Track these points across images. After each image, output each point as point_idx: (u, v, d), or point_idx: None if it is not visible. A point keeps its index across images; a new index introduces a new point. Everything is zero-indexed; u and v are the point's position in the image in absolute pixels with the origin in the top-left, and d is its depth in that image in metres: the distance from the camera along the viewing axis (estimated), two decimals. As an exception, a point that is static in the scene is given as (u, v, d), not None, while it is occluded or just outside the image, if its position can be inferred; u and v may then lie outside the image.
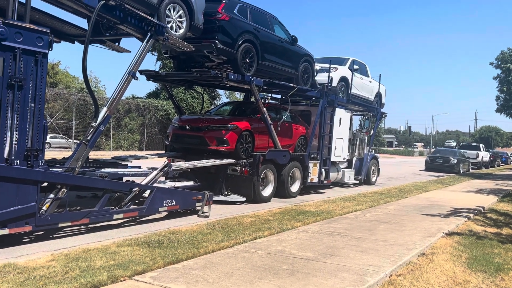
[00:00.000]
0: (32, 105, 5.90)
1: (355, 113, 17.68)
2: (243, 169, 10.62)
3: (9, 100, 5.65)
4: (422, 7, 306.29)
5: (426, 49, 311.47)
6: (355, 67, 15.70)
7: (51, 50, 6.13)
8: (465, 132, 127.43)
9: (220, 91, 41.38)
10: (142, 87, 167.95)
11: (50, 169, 6.42)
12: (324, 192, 14.07)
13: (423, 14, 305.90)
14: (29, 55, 5.82)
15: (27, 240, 6.23)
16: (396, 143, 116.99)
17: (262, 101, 12.12)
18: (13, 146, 5.72)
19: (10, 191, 5.67)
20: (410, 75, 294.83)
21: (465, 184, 19.82)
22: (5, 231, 5.67)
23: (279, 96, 15.20)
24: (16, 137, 5.74)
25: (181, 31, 8.85)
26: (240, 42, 10.49)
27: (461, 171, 29.96)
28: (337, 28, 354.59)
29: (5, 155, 5.66)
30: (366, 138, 17.47)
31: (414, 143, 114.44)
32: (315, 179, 13.41)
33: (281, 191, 11.84)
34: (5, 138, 5.64)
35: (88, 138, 7.05)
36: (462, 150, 34.55)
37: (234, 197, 10.62)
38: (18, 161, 5.77)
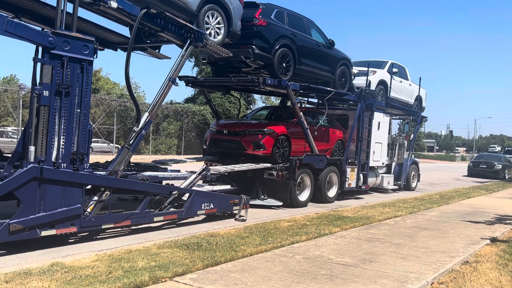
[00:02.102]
0: (78, 110, 6.15)
1: (394, 117, 17.36)
2: (280, 173, 10.63)
3: (57, 106, 5.92)
4: (463, 8, 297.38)
5: (468, 50, 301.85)
6: (394, 70, 15.43)
7: (96, 57, 6.37)
8: (510, 137, 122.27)
9: (256, 96, 41.65)
10: (179, 93, 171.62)
11: (94, 172, 6.66)
12: (362, 198, 13.87)
13: (464, 14, 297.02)
14: (76, 62, 6.08)
15: (72, 240, 6.48)
16: (437, 148, 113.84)
17: (299, 105, 12.10)
18: (60, 150, 5.98)
19: (57, 193, 5.92)
20: (451, 77, 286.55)
21: (511, 190, 19.02)
22: (52, 232, 5.92)
23: (315, 100, 15.14)
24: (63, 142, 5.99)
25: (219, 37, 8.99)
26: (277, 47, 10.54)
27: (507, 177, 28.80)
28: (376, 26, 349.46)
29: (53, 159, 5.92)
30: (405, 142, 17.10)
31: (456, 148, 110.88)
32: (353, 184, 13.24)
33: (318, 196, 11.76)
34: (53, 142, 5.91)
35: (131, 142, 7.26)
36: (508, 155, 33.19)
37: (271, 201, 10.64)
38: (65, 164, 6.02)
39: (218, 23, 8.93)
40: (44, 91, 5.79)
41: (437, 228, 8.75)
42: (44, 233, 5.81)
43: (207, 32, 8.60)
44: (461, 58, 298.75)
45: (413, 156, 18.77)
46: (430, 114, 60.68)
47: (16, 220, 5.51)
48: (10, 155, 6.35)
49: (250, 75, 11.06)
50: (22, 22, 6.35)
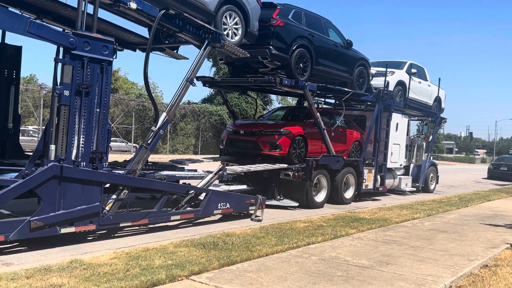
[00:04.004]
0: (98, 110, 6.24)
1: (413, 118, 17.18)
2: (296, 174, 10.61)
3: (77, 105, 6.02)
4: (484, 6, 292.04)
5: (489, 50, 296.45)
6: (413, 70, 15.26)
7: (115, 58, 6.46)
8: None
9: (273, 96, 41.64)
10: (197, 93, 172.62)
11: (113, 171, 6.75)
12: (380, 199, 13.75)
13: (485, 13, 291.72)
14: (96, 63, 6.18)
15: (91, 238, 6.58)
16: (456, 149, 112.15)
17: (316, 105, 12.05)
18: (80, 149, 6.08)
19: (77, 191, 6.02)
20: (471, 78, 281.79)
21: (533, 193, 18.61)
22: (71, 229, 6.02)
23: (333, 101, 15.06)
24: (82, 141, 6.09)
25: (237, 37, 9.02)
26: (294, 48, 10.52)
27: (528, 180, 28.15)
28: (395, 27, 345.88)
29: (73, 157, 6.02)
30: (424, 144, 16.89)
31: (476, 150, 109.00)
32: (370, 186, 13.14)
33: (335, 197, 11.70)
34: (73, 141, 6.01)
35: (149, 141, 7.33)
36: (529, 158, 32.43)
37: (287, 202, 10.63)
38: (84, 163, 6.12)
39: (236, 23, 8.96)
40: (64, 91, 5.89)
41: (456, 231, 8.62)
42: (63, 230, 5.91)
43: (225, 32, 8.63)
44: (482, 59, 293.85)
45: (431, 157, 18.53)
46: (450, 115, 59.91)
47: (36, 218, 5.63)
48: (31, 154, 6.48)
49: (267, 75, 11.07)
50: (44, 23, 6.46)
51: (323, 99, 15.01)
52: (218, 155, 13.30)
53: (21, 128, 10.72)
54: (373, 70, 13.91)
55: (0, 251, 5.58)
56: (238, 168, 9.78)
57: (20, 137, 8.98)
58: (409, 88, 14.95)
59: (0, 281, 4.37)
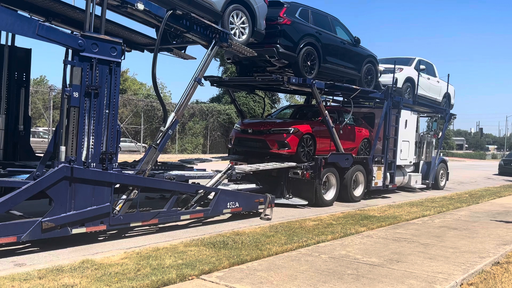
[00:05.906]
0: (107, 111, 6.29)
1: (422, 115, 17.07)
2: (305, 172, 10.60)
3: (86, 107, 6.07)
4: (496, 4, 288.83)
5: (500, 46, 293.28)
6: (422, 67, 15.16)
7: (124, 59, 6.50)
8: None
9: (281, 95, 41.61)
10: (205, 92, 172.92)
11: (123, 171, 6.79)
12: (389, 197, 13.68)
13: (496, 10, 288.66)
14: (104, 64, 6.22)
15: (102, 238, 6.63)
16: (467, 145, 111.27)
17: (324, 103, 12.03)
18: (90, 150, 6.13)
19: (87, 192, 6.07)
20: (481, 74, 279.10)
21: (545, 189, 18.40)
22: (82, 230, 6.08)
23: (341, 99, 15.02)
24: (92, 142, 6.14)
25: (244, 37, 9.02)
26: (301, 46, 10.51)
27: (540, 176, 27.82)
28: (403, 25, 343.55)
29: (83, 159, 6.07)
30: (434, 140, 16.79)
31: (486, 146, 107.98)
32: (380, 183, 13.08)
33: (344, 195, 11.67)
34: (83, 142, 6.06)
35: (158, 142, 7.37)
36: (541, 153, 32.07)
37: (296, 201, 10.62)
38: (94, 164, 6.17)
39: (243, 22, 8.96)
40: (74, 93, 5.94)
41: (467, 228, 8.56)
42: (74, 231, 5.97)
43: (232, 32, 8.64)
44: (492, 54, 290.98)
45: (441, 154, 18.39)
46: (459, 111, 59.41)
47: (48, 218, 5.69)
48: (42, 155, 6.55)
49: (275, 74, 11.06)
50: (53, 26, 6.52)
51: (331, 97, 14.98)
52: (227, 154, 13.32)
53: (31, 129, 10.83)
54: (381, 67, 13.84)
55: (12, 252, 5.66)
56: (246, 167, 9.80)
57: (31, 139, 9.08)
58: (417, 84, 14.86)
59: (13, 282, 4.43)
